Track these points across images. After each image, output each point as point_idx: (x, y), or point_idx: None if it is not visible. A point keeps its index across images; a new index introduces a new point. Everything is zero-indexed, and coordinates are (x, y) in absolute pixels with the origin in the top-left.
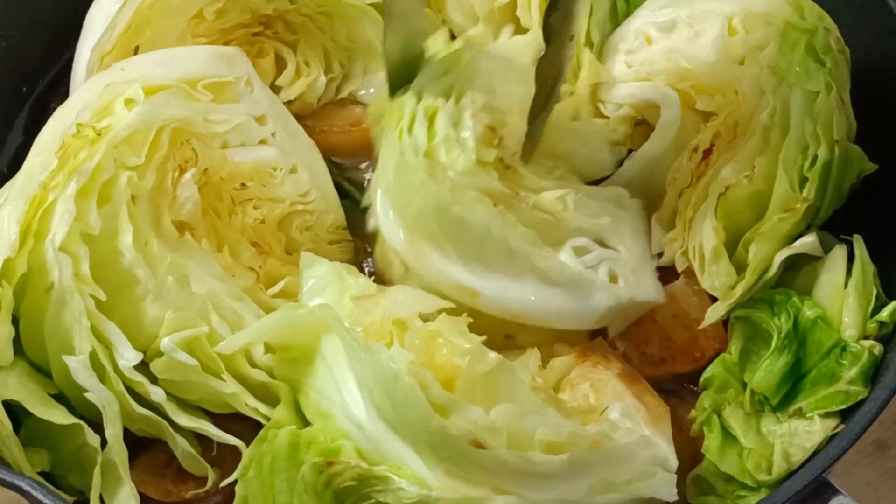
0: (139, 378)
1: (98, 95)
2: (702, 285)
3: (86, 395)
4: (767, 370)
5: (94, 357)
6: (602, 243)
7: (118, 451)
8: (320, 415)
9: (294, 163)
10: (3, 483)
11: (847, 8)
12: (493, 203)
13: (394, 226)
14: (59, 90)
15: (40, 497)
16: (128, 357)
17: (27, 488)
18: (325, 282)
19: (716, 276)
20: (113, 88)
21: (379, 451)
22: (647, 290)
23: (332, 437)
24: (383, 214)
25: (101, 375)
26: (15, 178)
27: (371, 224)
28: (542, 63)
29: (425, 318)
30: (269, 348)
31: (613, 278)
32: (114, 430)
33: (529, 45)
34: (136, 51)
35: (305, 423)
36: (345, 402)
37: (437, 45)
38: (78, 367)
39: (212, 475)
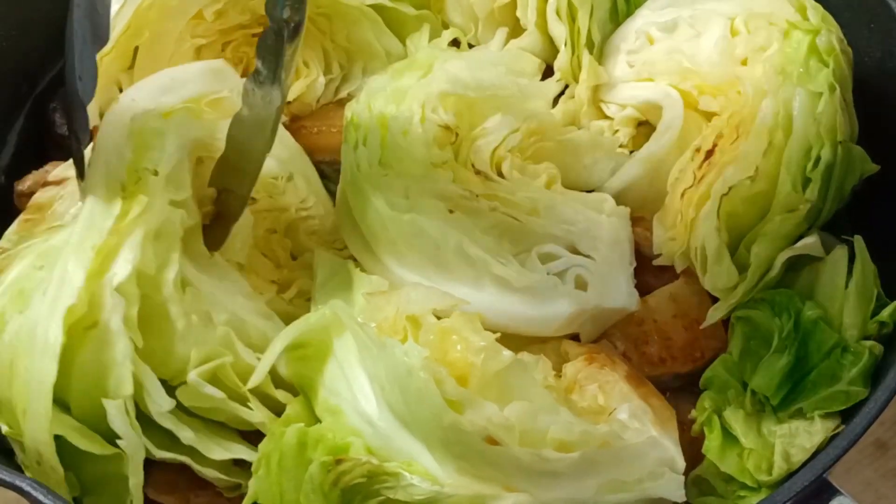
0: (168, 424)
1: (127, 133)
2: (704, 286)
3: (119, 442)
4: (768, 370)
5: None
6: (574, 250)
7: (138, 501)
8: (330, 411)
9: (290, 171)
10: (3, 483)
11: (848, 8)
12: (450, 209)
13: (354, 236)
14: (58, 90)
15: (40, 497)
16: (160, 403)
17: (27, 488)
18: (338, 279)
19: (718, 277)
20: (139, 121)
21: (389, 447)
22: (618, 298)
23: (341, 435)
24: (345, 227)
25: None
26: (75, 222)
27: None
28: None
29: (438, 316)
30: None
31: (581, 285)
32: (136, 480)
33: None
34: (135, 51)
35: (316, 419)
36: (356, 398)
37: (419, 45)
38: (116, 413)
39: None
